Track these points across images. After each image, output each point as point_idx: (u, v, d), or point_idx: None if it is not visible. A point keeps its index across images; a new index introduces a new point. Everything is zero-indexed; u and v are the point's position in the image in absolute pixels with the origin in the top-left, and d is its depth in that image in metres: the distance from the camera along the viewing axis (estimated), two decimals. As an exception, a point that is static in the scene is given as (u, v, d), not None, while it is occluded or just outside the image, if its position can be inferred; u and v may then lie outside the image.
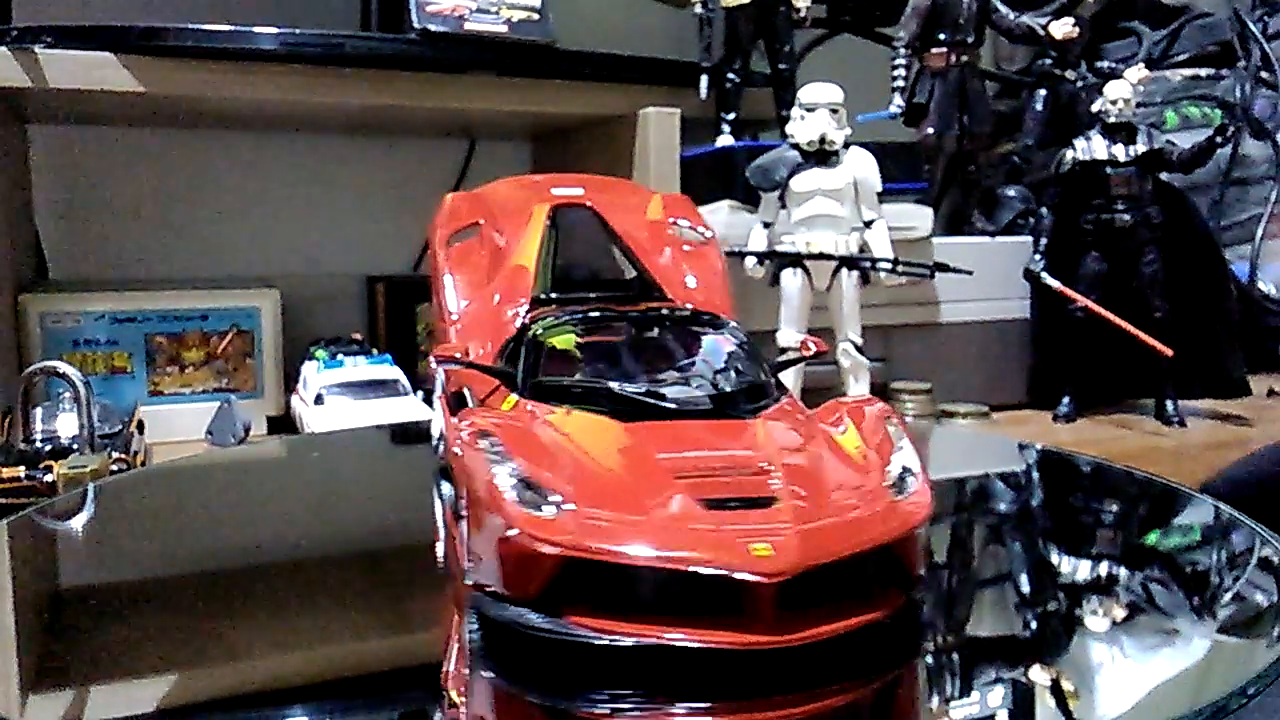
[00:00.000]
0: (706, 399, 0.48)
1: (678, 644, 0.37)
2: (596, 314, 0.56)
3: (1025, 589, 0.54)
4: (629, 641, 0.38)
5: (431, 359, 0.58)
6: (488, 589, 0.41)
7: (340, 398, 0.88)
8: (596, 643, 0.38)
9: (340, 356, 0.93)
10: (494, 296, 0.63)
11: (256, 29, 0.91)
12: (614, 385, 0.48)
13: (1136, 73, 1.04)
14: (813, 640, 0.37)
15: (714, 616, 0.37)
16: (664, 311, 0.56)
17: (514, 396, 0.51)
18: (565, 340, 0.53)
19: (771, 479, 0.42)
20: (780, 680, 0.38)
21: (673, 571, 0.38)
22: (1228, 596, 0.51)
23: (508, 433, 0.45)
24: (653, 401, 0.47)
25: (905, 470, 0.44)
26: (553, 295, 0.61)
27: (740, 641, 0.37)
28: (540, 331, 0.54)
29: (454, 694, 0.39)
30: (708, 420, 0.47)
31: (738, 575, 0.37)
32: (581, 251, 0.65)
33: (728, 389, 0.49)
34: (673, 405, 0.47)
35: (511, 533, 0.40)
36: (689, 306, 0.58)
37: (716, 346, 0.53)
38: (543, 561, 0.39)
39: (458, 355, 0.55)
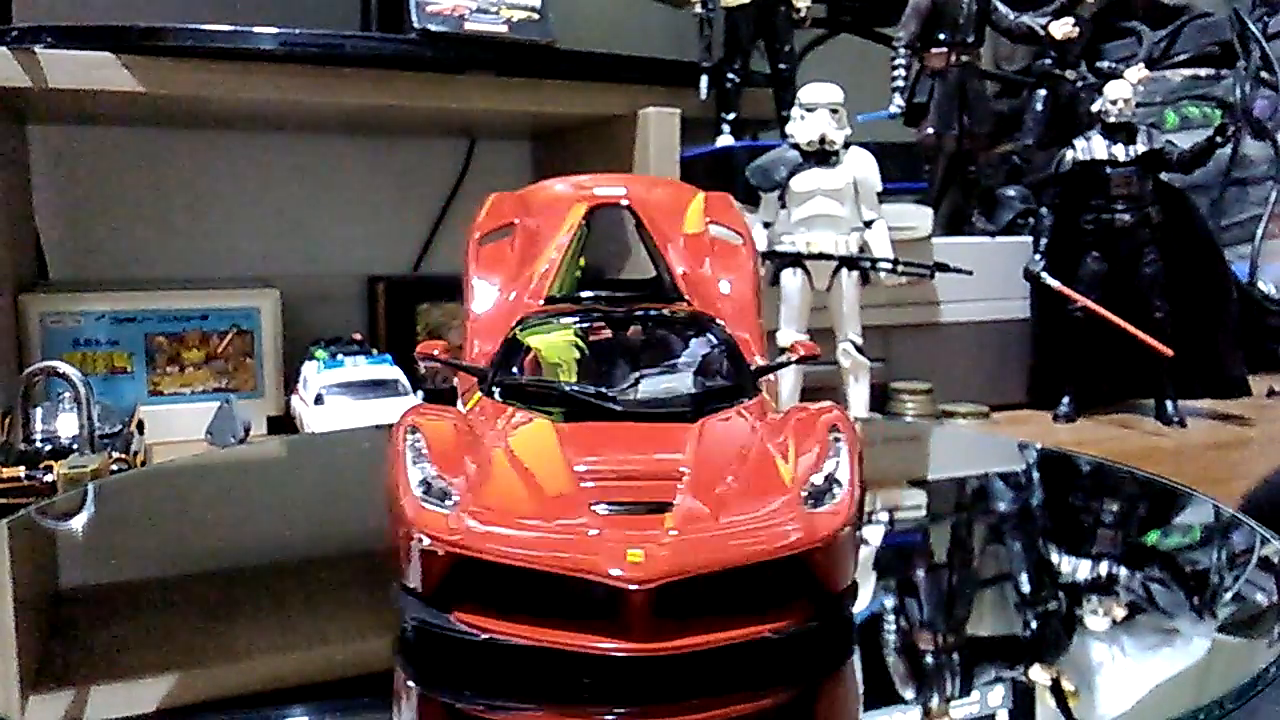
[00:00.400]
0: (657, 400, 0.48)
1: (549, 646, 0.38)
2: (579, 314, 0.56)
3: (1025, 589, 0.54)
4: (508, 641, 0.38)
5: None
6: (405, 584, 0.42)
7: (340, 398, 0.88)
8: (476, 640, 0.39)
9: (340, 356, 0.93)
10: (511, 295, 0.64)
11: (256, 29, 0.91)
12: (566, 386, 0.49)
13: (1136, 73, 1.04)
14: (684, 650, 0.37)
15: (594, 620, 0.37)
16: (650, 313, 0.56)
17: (478, 394, 0.52)
18: (538, 340, 0.54)
19: (680, 485, 0.42)
20: (661, 689, 0.37)
21: (551, 573, 0.38)
22: (1228, 596, 0.51)
23: (435, 431, 0.45)
24: (599, 403, 0.48)
25: (831, 481, 0.42)
26: (568, 295, 0.62)
27: (610, 647, 0.37)
28: (519, 331, 0.55)
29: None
30: (651, 422, 0.47)
31: (608, 580, 0.37)
32: (615, 251, 0.66)
33: (683, 391, 0.49)
34: (618, 407, 0.48)
35: (411, 529, 0.41)
36: (680, 308, 0.58)
37: (693, 348, 0.53)
38: (434, 558, 0.40)
39: (435, 352, 0.56)
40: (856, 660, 0.43)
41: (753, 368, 0.54)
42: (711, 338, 0.54)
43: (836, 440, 0.44)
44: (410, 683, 0.41)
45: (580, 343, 0.54)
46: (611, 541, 0.38)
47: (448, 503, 0.41)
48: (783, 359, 0.55)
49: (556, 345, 0.54)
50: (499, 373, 0.52)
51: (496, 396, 0.51)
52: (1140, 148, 0.96)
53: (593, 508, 0.40)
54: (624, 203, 0.66)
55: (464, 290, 0.68)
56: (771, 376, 0.58)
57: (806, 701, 0.39)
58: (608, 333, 0.55)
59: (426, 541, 0.40)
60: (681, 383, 0.50)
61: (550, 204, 0.68)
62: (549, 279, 0.63)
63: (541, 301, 0.61)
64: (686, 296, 0.61)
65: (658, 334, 0.55)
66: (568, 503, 0.40)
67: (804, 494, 0.41)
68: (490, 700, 0.38)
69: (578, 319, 0.56)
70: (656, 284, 0.63)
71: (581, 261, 0.65)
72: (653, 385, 0.50)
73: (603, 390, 0.49)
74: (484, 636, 0.39)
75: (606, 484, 0.42)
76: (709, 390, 0.50)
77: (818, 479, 0.42)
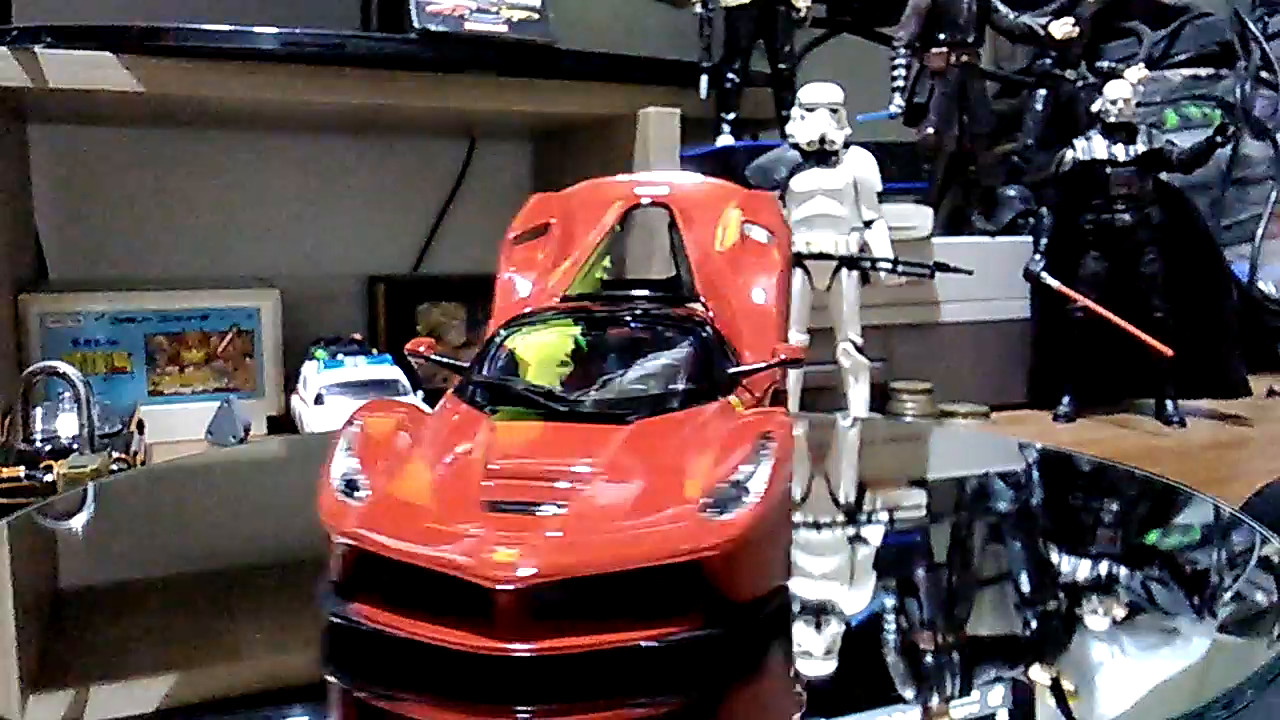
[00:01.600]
0: (604, 401, 0.49)
1: (423, 640, 0.38)
2: (567, 315, 0.56)
3: (1025, 589, 0.54)
4: (393, 634, 0.39)
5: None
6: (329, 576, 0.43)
7: (340, 398, 0.88)
8: (364, 630, 0.40)
9: (340, 356, 0.93)
10: (534, 295, 0.65)
11: (256, 29, 0.91)
12: (519, 385, 0.50)
13: (1136, 73, 1.04)
14: (548, 653, 0.37)
15: (471, 619, 0.38)
16: (635, 314, 0.57)
17: (450, 391, 0.53)
18: (520, 340, 0.54)
19: (582, 487, 0.42)
20: (536, 690, 0.38)
21: (431, 570, 0.38)
22: (1228, 596, 0.51)
23: (373, 426, 0.47)
24: (546, 403, 0.48)
25: (740, 489, 0.41)
26: (582, 294, 0.63)
27: (477, 645, 0.37)
28: (501, 332, 0.55)
29: None
30: (590, 423, 0.47)
31: (477, 579, 0.37)
32: (645, 251, 0.66)
33: (638, 392, 0.50)
34: (563, 408, 0.48)
35: (322, 520, 0.42)
36: (673, 309, 0.58)
37: (668, 349, 0.53)
38: (337, 549, 0.41)
39: (422, 349, 0.56)
40: (775, 670, 0.42)
41: (730, 370, 0.53)
42: (690, 340, 0.54)
43: (764, 449, 0.43)
44: (327, 675, 0.41)
45: (562, 343, 0.55)
46: (488, 541, 0.38)
47: (356, 496, 0.43)
48: (758, 363, 0.55)
49: (537, 345, 0.54)
50: (472, 371, 0.53)
51: (459, 396, 0.52)
52: (1140, 148, 0.96)
53: (487, 507, 0.41)
54: (665, 202, 0.67)
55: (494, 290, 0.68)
56: (792, 377, 0.58)
57: (699, 712, 0.38)
58: (590, 334, 0.56)
59: (328, 531, 0.41)
60: (644, 384, 0.51)
61: (589, 203, 0.69)
62: (569, 278, 0.64)
63: (557, 300, 0.62)
64: (701, 297, 0.62)
65: (638, 335, 0.55)
66: (464, 502, 0.41)
67: (706, 501, 0.40)
68: (376, 690, 0.39)
69: (564, 319, 0.56)
70: (674, 284, 0.64)
71: (606, 262, 0.66)
72: (616, 386, 0.51)
73: (553, 391, 0.49)
74: (371, 628, 0.39)
75: (513, 484, 0.42)
76: (668, 392, 0.50)
77: (724, 486, 0.41)
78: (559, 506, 0.40)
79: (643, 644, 0.38)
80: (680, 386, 0.51)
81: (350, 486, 0.43)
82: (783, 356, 0.54)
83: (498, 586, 0.37)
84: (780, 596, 0.43)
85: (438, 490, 0.42)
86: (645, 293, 0.63)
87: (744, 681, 0.41)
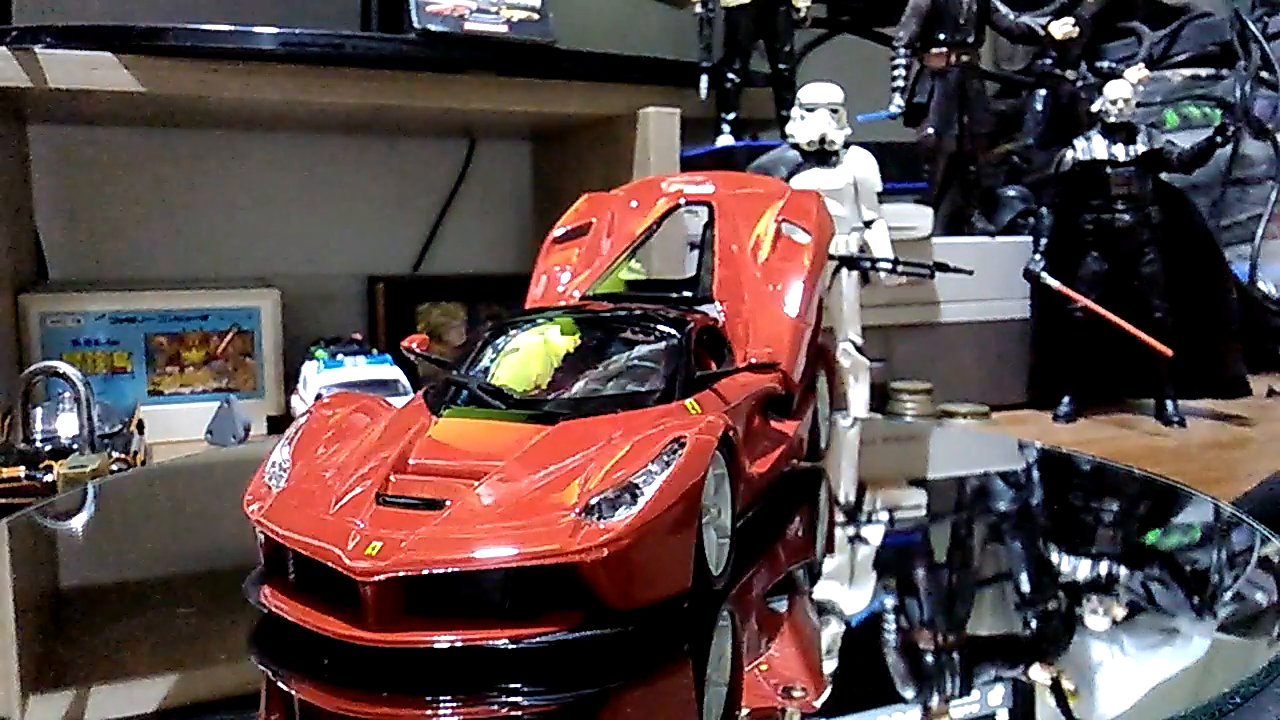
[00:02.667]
0: (543, 401, 0.50)
1: (303, 625, 0.40)
2: (560, 315, 0.57)
3: (1025, 589, 0.54)
4: (282, 616, 0.41)
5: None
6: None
7: (340, 398, 0.88)
8: (262, 611, 0.42)
9: (340, 356, 0.93)
10: (553, 292, 0.67)
11: (256, 29, 0.91)
12: (470, 385, 0.52)
13: (1136, 73, 1.04)
14: (403, 645, 0.39)
15: (347, 607, 0.40)
16: (619, 314, 0.57)
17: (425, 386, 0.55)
18: (497, 341, 0.56)
19: (474, 484, 0.43)
20: (405, 680, 0.39)
21: (312, 557, 0.41)
22: (1228, 595, 0.51)
23: (318, 419, 0.50)
24: (492, 401, 0.50)
25: (628, 496, 0.41)
26: (602, 293, 0.65)
27: (341, 633, 0.39)
28: (486, 333, 0.57)
29: None
30: (525, 423, 0.48)
31: (343, 570, 0.39)
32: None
33: (588, 393, 0.51)
34: (501, 405, 0.50)
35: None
36: (665, 310, 0.58)
37: (641, 351, 0.54)
38: (257, 533, 0.44)
39: (413, 345, 0.58)
40: (664, 677, 0.41)
41: (698, 374, 0.53)
42: (660, 344, 0.54)
43: (668, 456, 0.43)
44: (253, 657, 0.43)
45: (546, 344, 0.56)
46: (362, 533, 0.40)
47: (276, 484, 0.46)
48: (733, 366, 0.56)
49: (522, 346, 0.55)
50: (456, 367, 0.55)
51: (423, 393, 0.53)
52: (1140, 148, 0.96)
53: (380, 501, 0.42)
54: (707, 199, 0.68)
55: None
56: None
57: (570, 714, 0.39)
58: (580, 335, 0.56)
59: (248, 518, 0.44)
60: (600, 386, 0.52)
61: (634, 203, 0.70)
62: (593, 278, 0.66)
63: (574, 300, 0.64)
64: (715, 298, 0.63)
65: (616, 338, 0.56)
66: (361, 495, 0.43)
67: (588, 505, 0.41)
68: (275, 667, 0.41)
69: (558, 320, 0.57)
70: (693, 283, 0.65)
71: (633, 262, 0.68)
72: (580, 388, 0.52)
73: (501, 389, 0.51)
74: (269, 611, 0.42)
75: (418, 480, 0.44)
76: (621, 394, 0.51)
77: (611, 492, 0.41)
78: (443, 505, 0.42)
79: (491, 643, 0.39)
80: (635, 388, 0.51)
81: (274, 475, 0.46)
82: (752, 361, 0.54)
83: (360, 578, 0.39)
84: (681, 604, 0.42)
85: (343, 483, 0.44)
86: (653, 294, 0.63)
87: (626, 686, 0.40)
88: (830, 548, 0.58)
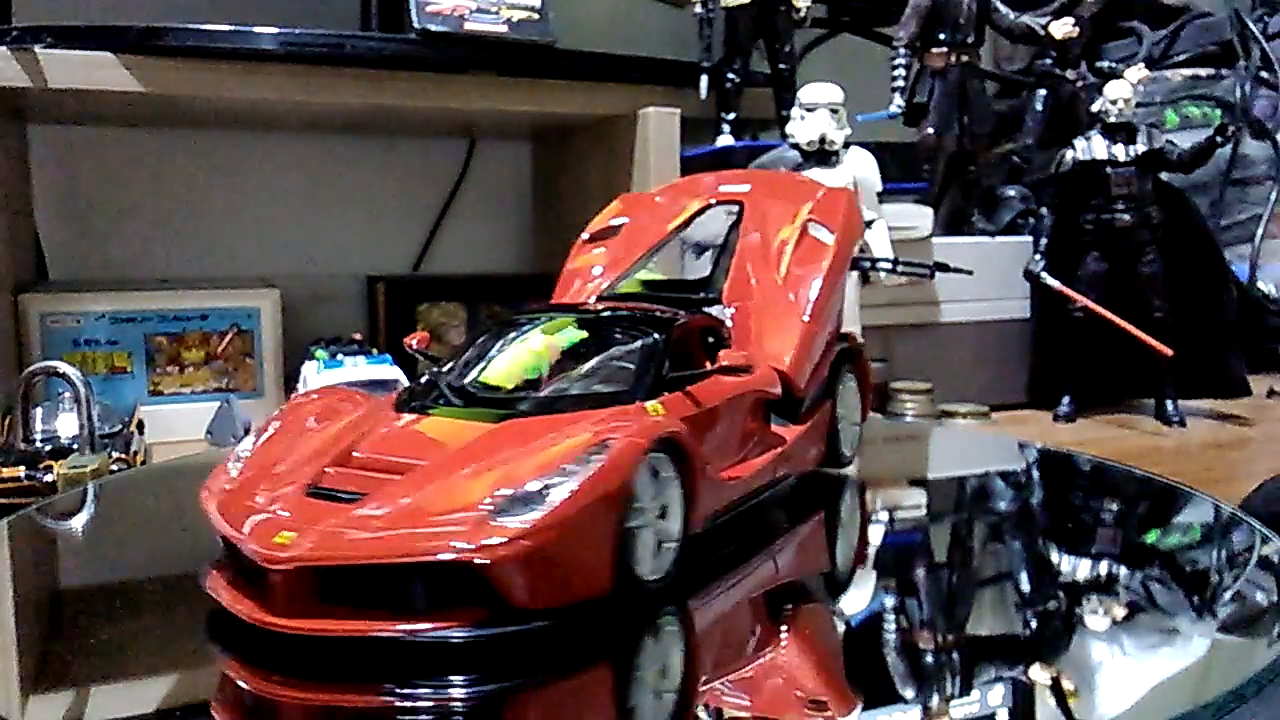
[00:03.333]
0: (500, 400, 0.51)
1: (225, 607, 0.42)
2: (551, 313, 0.58)
3: (1025, 589, 0.54)
4: (212, 596, 0.44)
5: None
6: None
7: (340, 398, 0.88)
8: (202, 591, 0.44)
9: (340, 356, 0.93)
10: (573, 292, 0.67)
11: (256, 29, 0.91)
12: (439, 381, 0.53)
13: (1136, 73, 1.04)
14: (305, 632, 0.40)
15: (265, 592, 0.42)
16: (611, 313, 0.57)
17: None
18: (486, 340, 0.57)
19: (395, 478, 0.44)
20: (312, 666, 0.40)
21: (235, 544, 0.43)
22: (1228, 595, 0.51)
23: (292, 412, 0.52)
24: (452, 399, 0.51)
25: (536, 497, 0.41)
26: (619, 293, 0.65)
27: (252, 617, 0.41)
28: (486, 329, 0.58)
29: None
30: (481, 421, 0.48)
31: (256, 557, 0.41)
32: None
33: (552, 391, 0.52)
34: (459, 402, 0.51)
35: None
36: (654, 309, 0.58)
37: (620, 349, 0.54)
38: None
39: (413, 344, 0.59)
40: (570, 677, 0.41)
41: (671, 376, 0.53)
42: (642, 342, 0.54)
43: (587, 459, 0.42)
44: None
45: (540, 344, 0.56)
46: (280, 523, 0.42)
47: (233, 472, 0.48)
48: (708, 368, 0.55)
49: (514, 345, 0.55)
50: (434, 367, 0.56)
51: (402, 390, 0.55)
52: (1140, 148, 0.96)
53: (308, 492, 0.44)
54: (739, 198, 0.68)
55: None
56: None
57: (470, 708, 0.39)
58: (571, 334, 0.56)
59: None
60: (566, 385, 0.52)
61: (666, 204, 0.70)
62: (611, 278, 0.66)
63: (594, 299, 0.65)
64: (726, 299, 0.63)
65: (600, 339, 0.56)
66: (294, 486, 0.45)
67: (495, 504, 0.41)
68: (214, 648, 0.43)
69: (555, 321, 0.57)
70: (704, 284, 0.65)
71: (650, 263, 0.68)
72: (555, 386, 0.53)
73: (467, 387, 0.52)
74: (205, 589, 0.44)
75: (353, 473, 0.45)
76: (581, 394, 0.51)
77: (521, 492, 0.41)
78: (363, 498, 0.43)
79: (398, 634, 0.39)
80: (601, 388, 0.52)
81: (234, 464, 0.48)
82: (725, 363, 0.54)
83: (267, 565, 0.41)
84: (602, 606, 0.42)
85: (287, 474, 0.46)
86: (665, 295, 0.64)
87: (529, 684, 0.40)
88: (837, 556, 0.58)
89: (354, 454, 0.47)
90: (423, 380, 0.54)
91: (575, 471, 0.42)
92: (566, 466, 0.42)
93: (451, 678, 0.39)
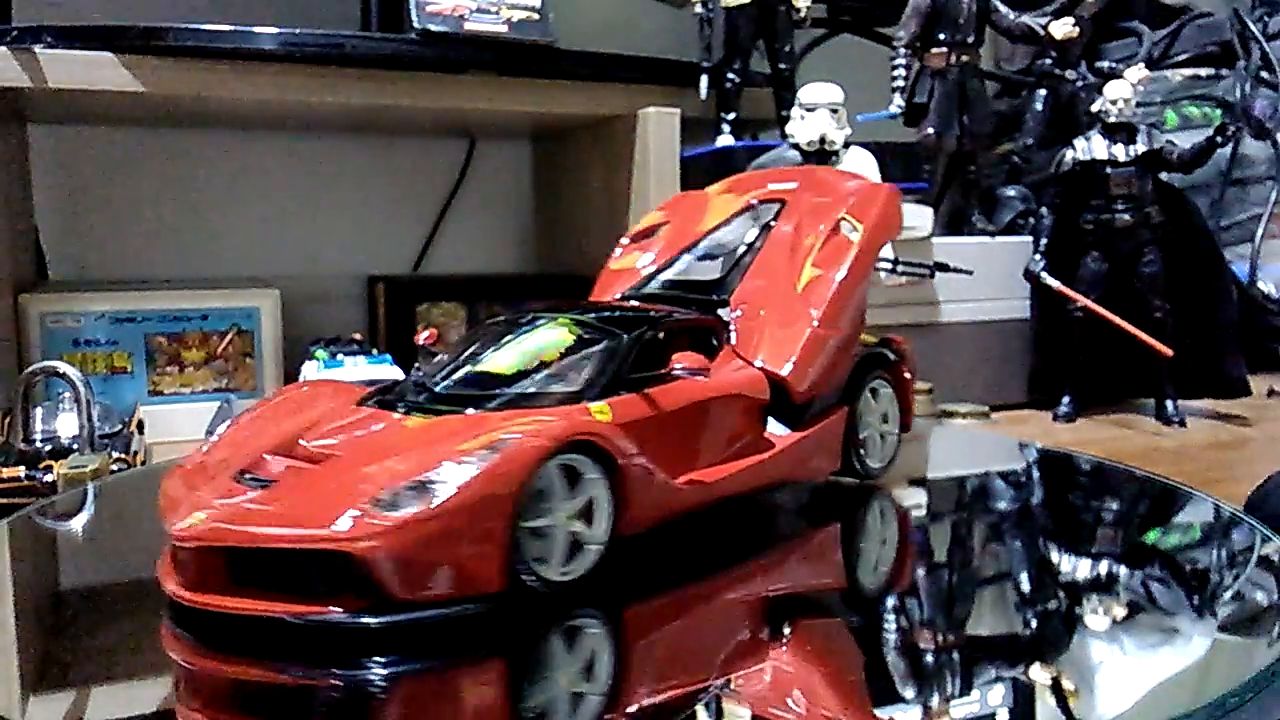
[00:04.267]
0: (450, 398, 0.52)
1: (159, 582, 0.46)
2: (550, 313, 0.58)
3: (1025, 589, 0.54)
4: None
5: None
6: None
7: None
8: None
9: (340, 356, 0.93)
10: (607, 294, 0.68)
11: (256, 29, 0.91)
12: (414, 377, 0.55)
13: (1136, 73, 1.04)
14: (209, 608, 0.43)
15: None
16: (590, 315, 0.57)
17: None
18: (478, 338, 0.58)
19: (312, 468, 0.46)
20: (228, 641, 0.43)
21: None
22: (1228, 595, 0.51)
23: (269, 403, 0.55)
24: (415, 395, 0.53)
25: (419, 490, 0.42)
26: (632, 293, 0.66)
27: (170, 591, 0.45)
28: (486, 327, 0.59)
29: None
30: (425, 416, 0.50)
31: (172, 534, 0.45)
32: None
33: (509, 388, 0.52)
34: (421, 400, 0.52)
35: None
36: (654, 313, 0.59)
37: (588, 349, 0.54)
38: None
39: (422, 340, 0.61)
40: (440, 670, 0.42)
41: (630, 377, 0.53)
42: (607, 341, 0.54)
43: (484, 454, 0.43)
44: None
45: (540, 340, 0.56)
46: (199, 504, 0.45)
47: (197, 456, 0.51)
48: (679, 370, 0.55)
49: (508, 343, 0.56)
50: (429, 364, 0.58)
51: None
52: (1140, 148, 0.96)
53: (238, 477, 0.47)
54: (781, 196, 0.67)
55: None
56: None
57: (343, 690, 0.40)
58: (566, 333, 0.56)
59: None
60: (519, 384, 0.53)
61: (712, 202, 0.70)
62: (643, 277, 0.66)
63: (617, 297, 0.66)
64: (736, 300, 0.63)
65: (577, 338, 0.56)
66: (228, 470, 0.48)
67: (381, 496, 0.42)
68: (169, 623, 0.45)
69: (554, 320, 0.57)
70: (721, 285, 0.65)
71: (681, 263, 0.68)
72: (517, 387, 0.53)
73: (428, 385, 0.54)
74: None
75: (282, 459, 0.48)
76: (538, 392, 0.52)
77: (402, 487, 0.42)
78: (274, 485, 0.45)
79: (282, 615, 0.42)
80: (556, 387, 0.52)
81: (204, 448, 0.51)
82: (686, 364, 0.54)
83: (176, 543, 0.45)
84: (492, 602, 0.43)
85: (228, 457, 0.49)
86: (679, 295, 0.64)
87: (403, 674, 0.41)
88: (844, 560, 0.58)
89: (299, 443, 0.49)
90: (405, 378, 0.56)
91: (467, 468, 0.43)
92: (455, 464, 0.43)
93: (366, 660, 0.41)
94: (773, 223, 0.66)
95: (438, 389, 0.53)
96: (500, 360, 0.55)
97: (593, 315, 0.57)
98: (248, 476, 0.47)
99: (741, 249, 0.67)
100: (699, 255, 0.68)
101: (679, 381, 0.54)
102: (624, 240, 0.71)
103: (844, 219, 0.64)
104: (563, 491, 0.45)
